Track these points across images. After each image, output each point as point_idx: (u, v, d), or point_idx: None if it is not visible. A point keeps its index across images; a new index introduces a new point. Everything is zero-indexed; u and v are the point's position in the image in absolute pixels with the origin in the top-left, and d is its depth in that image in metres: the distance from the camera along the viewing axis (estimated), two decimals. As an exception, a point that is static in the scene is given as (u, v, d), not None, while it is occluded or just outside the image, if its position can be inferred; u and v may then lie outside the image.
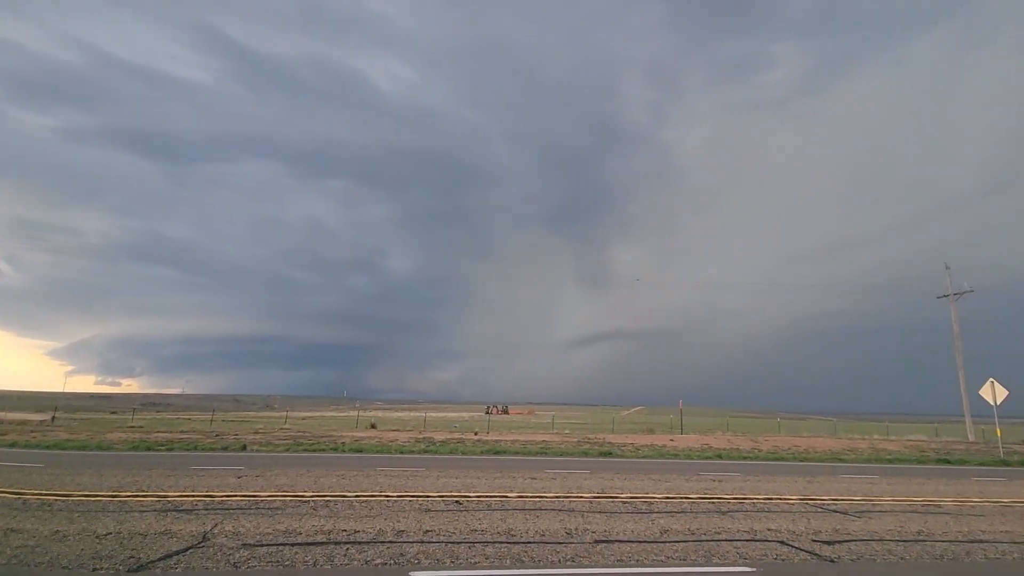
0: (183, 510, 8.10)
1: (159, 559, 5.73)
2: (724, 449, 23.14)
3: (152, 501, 8.75)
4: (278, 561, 5.71)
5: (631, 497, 10.21)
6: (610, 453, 20.54)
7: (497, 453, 19.51)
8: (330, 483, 10.96)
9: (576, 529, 7.47)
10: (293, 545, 6.30)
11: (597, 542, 6.81)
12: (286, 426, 33.18)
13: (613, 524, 7.86)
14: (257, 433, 25.71)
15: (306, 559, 5.78)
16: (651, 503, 9.67)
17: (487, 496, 9.88)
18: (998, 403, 23.46)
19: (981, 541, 7.52)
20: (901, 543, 7.24)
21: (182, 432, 25.50)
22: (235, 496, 9.28)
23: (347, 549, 6.18)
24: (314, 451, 18.56)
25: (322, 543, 6.42)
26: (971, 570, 6.11)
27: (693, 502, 9.91)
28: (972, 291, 37.34)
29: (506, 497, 9.84)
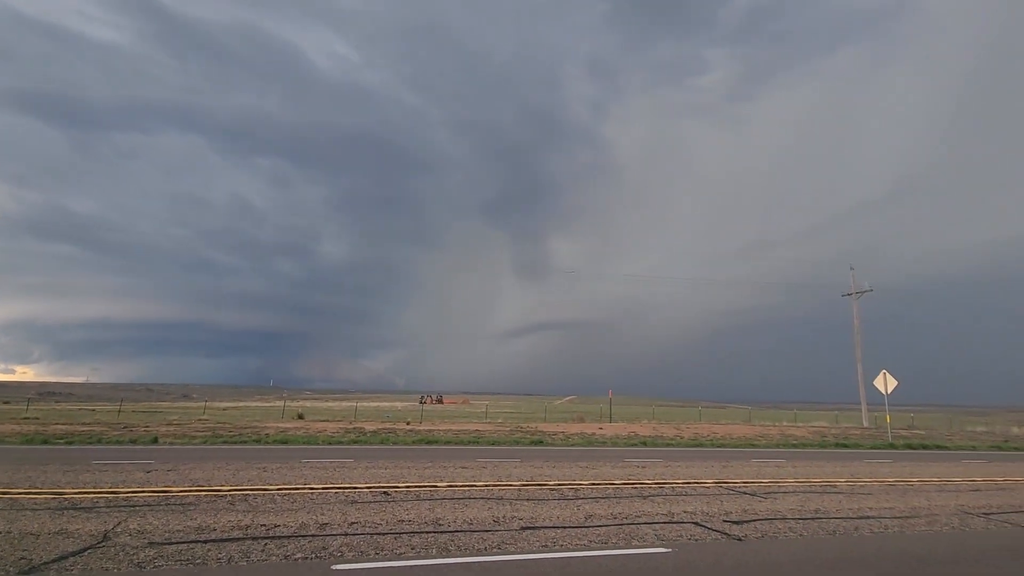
0: (82, 508, 7.49)
1: (52, 560, 5.27)
2: (649, 436, 24.19)
3: (47, 499, 8.02)
4: (188, 559, 5.40)
5: (559, 484, 10.47)
6: (542, 441, 20.94)
7: (429, 443, 19.40)
8: (250, 476, 10.50)
9: (504, 517, 7.57)
10: (206, 542, 5.98)
11: (524, 528, 6.93)
12: (204, 417, 31.40)
13: (540, 511, 8.03)
14: (171, 425, 24.17)
15: (220, 556, 5.51)
16: (578, 489, 9.96)
17: (416, 486, 9.81)
18: (889, 392, 25.91)
19: (868, 517, 8.31)
20: (800, 521, 7.87)
21: (85, 424, 23.52)
22: (142, 492, 8.69)
23: (265, 544, 5.95)
24: (235, 443, 17.69)
25: (238, 539, 6.14)
26: (858, 544, 6.74)
27: (617, 488, 10.31)
28: (871, 290, 40.96)
29: (436, 487, 9.82)
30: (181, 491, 8.83)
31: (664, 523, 7.48)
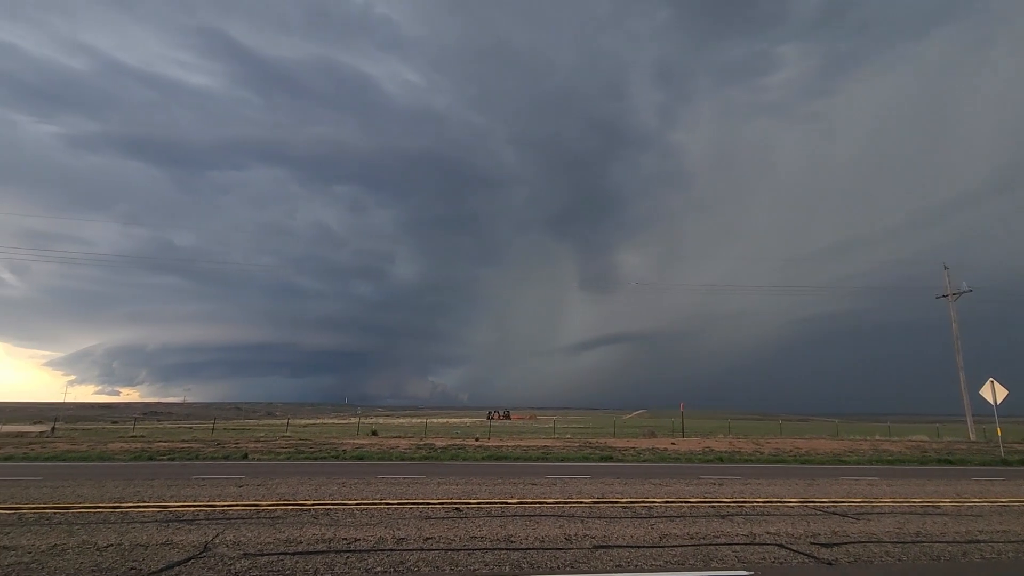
0: (184, 520, 8.14)
1: (160, 570, 5.77)
2: (725, 452, 23.12)
3: (153, 512, 8.78)
4: (279, 570, 5.74)
5: (631, 502, 10.23)
6: (611, 457, 20.53)
7: (498, 459, 19.52)
8: (331, 491, 10.99)
9: (575, 535, 7.50)
10: (294, 554, 6.34)
11: (596, 547, 6.83)
12: (287, 434, 33.17)
13: (612, 529, 7.89)
14: (258, 441, 25.72)
15: (306, 568, 5.82)
16: (651, 507, 9.69)
17: (487, 503, 9.91)
18: (998, 402, 23.45)
19: (978, 541, 7.54)
20: (899, 544, 7.26)
21: (183, 441, 25.51)
22: (236, 506, 9.32)
23: (347, 557, 6.22)
24: (315, 459, 18.58)
25: (322, 552, 6.45)
26: (967, 570, 6.14)
27: (693, 506, 9.93)
28: (971, 291, 37.37)
29: (506, 503, 9.87)
30: (270, 505, 9.40)
31: (745, 544, 7.13)
